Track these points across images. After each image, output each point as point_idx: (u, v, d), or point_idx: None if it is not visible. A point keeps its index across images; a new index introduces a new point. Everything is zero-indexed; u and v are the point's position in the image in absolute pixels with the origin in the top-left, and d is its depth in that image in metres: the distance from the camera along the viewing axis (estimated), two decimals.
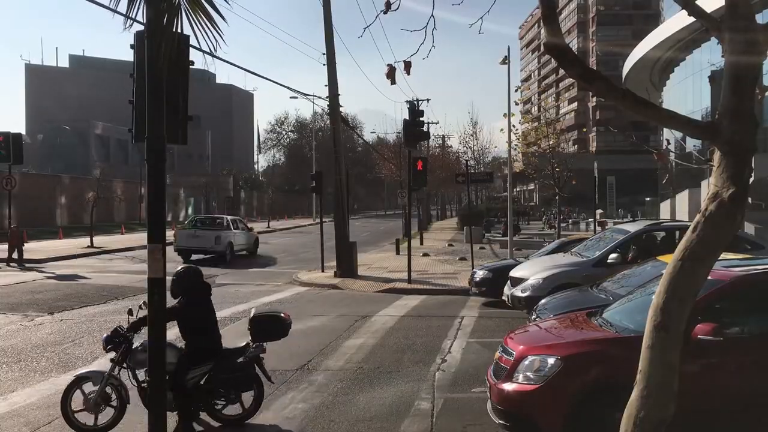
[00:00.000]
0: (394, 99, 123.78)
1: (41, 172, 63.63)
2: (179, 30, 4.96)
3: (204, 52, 5.64)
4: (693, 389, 5.41)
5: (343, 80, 23.00)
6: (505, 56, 21.95)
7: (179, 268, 7.88)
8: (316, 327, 13.41)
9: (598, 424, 5.75)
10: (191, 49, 5.75)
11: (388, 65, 5.06)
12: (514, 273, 14.36)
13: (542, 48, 6.51)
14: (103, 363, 10.34)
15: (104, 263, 26.37)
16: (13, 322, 13.96)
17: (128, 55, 5.77)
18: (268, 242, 40.91)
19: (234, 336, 12.52)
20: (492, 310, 15.31)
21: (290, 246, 36.89)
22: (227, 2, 5.28)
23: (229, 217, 30.89)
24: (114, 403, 7.34)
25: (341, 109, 23.80)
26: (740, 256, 8.12)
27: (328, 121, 35.31)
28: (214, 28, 4.93)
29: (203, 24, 4.90)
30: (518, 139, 37.37)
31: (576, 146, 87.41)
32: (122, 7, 5.18)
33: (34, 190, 46.33)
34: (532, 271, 13.96)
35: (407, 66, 5.02)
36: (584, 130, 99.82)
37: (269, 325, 7.82)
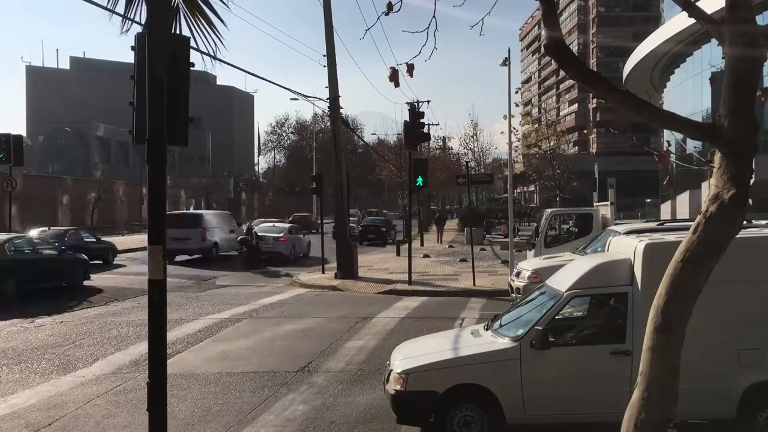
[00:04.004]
0: (395, 101, 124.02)
1: (42, 173, 63.71)
2: (178, 32, 4.94)
3: (207, 54, 5.63)
4: None
5: (344, 82, 23.05)
6: (506, 58, 21.92)
7: None
8: (316, 328, 13.41)
9: None
10: (192, 50, 5.74)
11: (390, 68, 5.04)
12: None
13: (543, 50, 6.47)
14: (103, 365, 10.37)
15: (104, 264, 26.36)
16: (14, 324, 13.96)
17: (129, 57, 5.76)
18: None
19: (235, 336, 12.54)
20: (493, 312, 15.28)
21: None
22: (226, 5, 5.26)
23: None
24: None
25: (341, 110, 23.84)
26: None
27: (328, 123, 35.34)
28: (214, 33, 4.90)
29: (203, 28, 4.88)
30: (519, 140, 37.44)
31: (576, 148, 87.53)
32: (120, 8, 5.17)
33: (36, 192, 46.37)
34: None
35: (410, 68, 5.00)
36: (585, 131, 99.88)
37: None
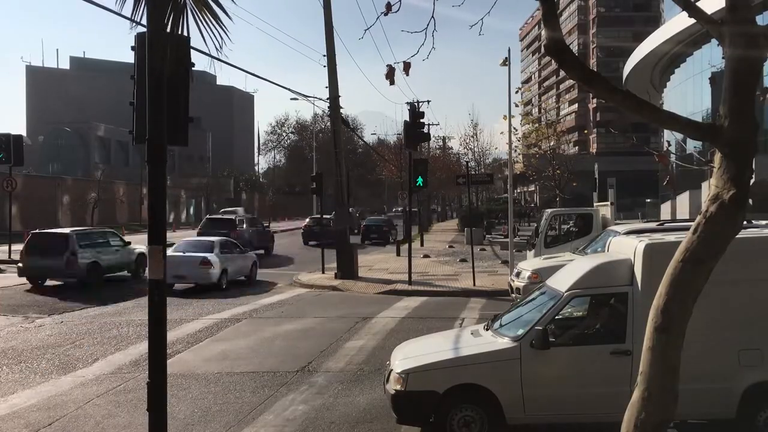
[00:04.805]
0: (395, 101, 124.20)
1: (42, 173, 63.71)
2: (185, 30, 4.95)
3: (209, 56, 5.63)
4: None
5: (344, 82, 23.04)
6: (506, 58, 21.91)
7: None
8: (316, 328, 13.41)
9: None
10: (193, 50, 5.74)
11: (387, 66, 5.04)
12: None
13: (543, 50, 6.48)
14: (103, 365, 10.37)
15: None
16: (14, 323, 13.97)
17: (129, 57, 5.77)
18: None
19: (235, 336, 12.54)
20: (493, 312, 15.27)
21: (291, 247, 36.89)
22: (233, 1, 5.28)
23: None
24: None
25: (341, 110, 23.84)
26: None
27: (328, 123, 35.36)
28: (220, 27, 4.92)
29: (209, 23, 4.89)
30: (519, 140, 37.38)
31: (576, 148, 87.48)
32: (127, 9, 5.18)
33: (36, 192, 46.38)
34: None
35: (406, 67, 5.00)
36: (585, 131, 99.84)
37: None
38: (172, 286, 18.01)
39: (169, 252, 17.88)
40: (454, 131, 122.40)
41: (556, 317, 6.99)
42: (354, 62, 33.28)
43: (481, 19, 4.99)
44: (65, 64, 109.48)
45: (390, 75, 5.03)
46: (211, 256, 19.24)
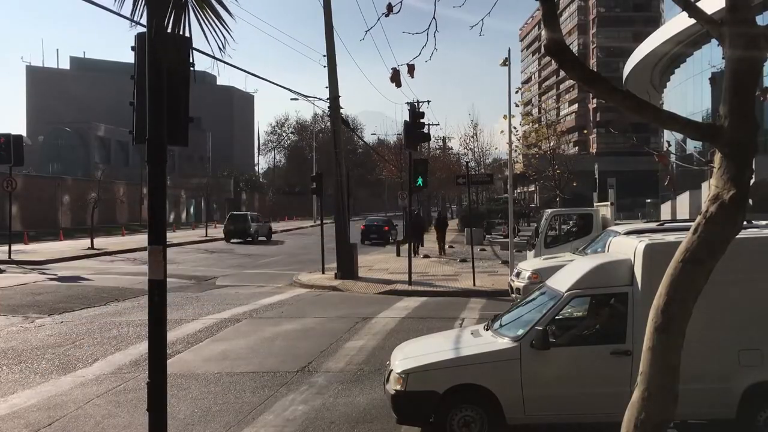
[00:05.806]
0: (395, 100, 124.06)
1: (42, 173, 63.71)
2: (186, 29, 4.95)
3: (210, 56, 5.64)
4: None
5: (344, 82, 23.03)
6: (506, 58, 21.91)
7: None
8: (316, 329, 13.41)
9: None
10: (194, 51, 5.73)
11: (392, 69, 5.03)
12: None
13: (543, 50, 6.48)
14: (103, 365, 10.37)
15: (105, 265, 26.37)
16: (14, 323, 13.96)
17: (129, 57, 5.76)
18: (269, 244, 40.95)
19: (235, 336, 12.55)
20: (493, 312, 15.27)
21: (291, 248, 36.92)
22: (235, 0, 5.27)
23: None
24: None
25: (341, 110, 23.83)
26: None
27: (328, 123, 35.37)
28: (223, 26, 4.91)
29: (212, 22, 4.88)
30: (519, 140, 37.37)
31: (576, 148, 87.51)
32: (126, 8, 5.18)
33: (36, 192, 46.40)
34: None
35: (411, 69, 4.99)
36: (585, 131, 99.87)
37: None
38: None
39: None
40: (454, 131, 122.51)
41: (556, 317, 6.99)
42: (354, 62, 33.30)
43: (482, 19, 4.99)
44: (65, 64, 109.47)
45: (396, 78, 5.02)
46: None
